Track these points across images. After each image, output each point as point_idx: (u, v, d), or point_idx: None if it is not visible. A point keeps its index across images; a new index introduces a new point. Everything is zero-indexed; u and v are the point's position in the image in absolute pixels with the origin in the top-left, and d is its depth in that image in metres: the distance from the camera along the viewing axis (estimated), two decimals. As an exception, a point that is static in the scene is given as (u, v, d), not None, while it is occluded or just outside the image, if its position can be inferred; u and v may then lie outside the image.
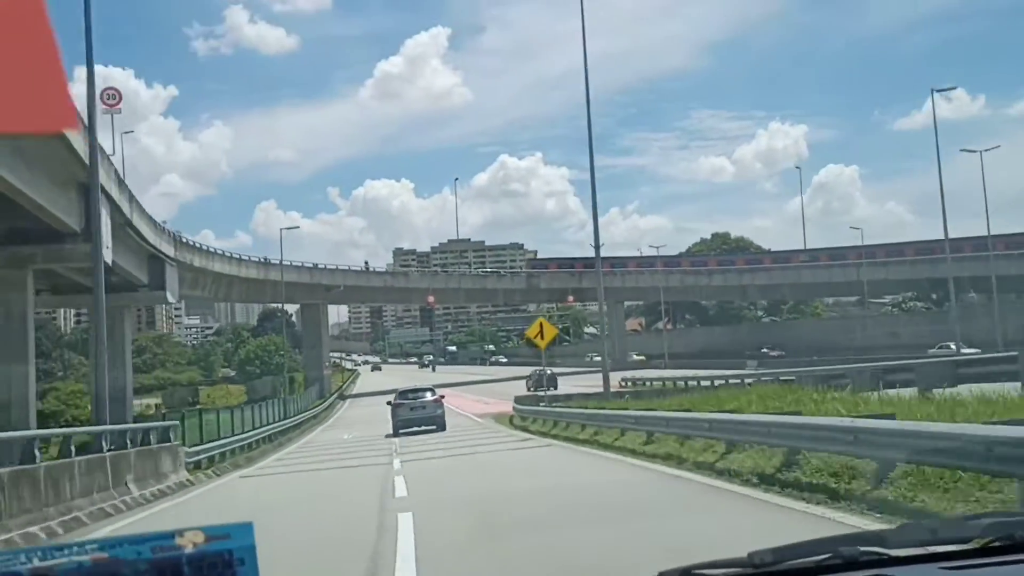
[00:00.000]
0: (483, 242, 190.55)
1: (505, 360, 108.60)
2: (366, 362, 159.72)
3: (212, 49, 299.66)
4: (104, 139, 31.47)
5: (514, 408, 29.07)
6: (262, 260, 56.97)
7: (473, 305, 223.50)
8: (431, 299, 70.14)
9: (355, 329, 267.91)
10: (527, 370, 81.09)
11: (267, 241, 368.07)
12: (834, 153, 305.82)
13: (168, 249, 44.90)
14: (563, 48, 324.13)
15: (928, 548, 1.72)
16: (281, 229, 68.93)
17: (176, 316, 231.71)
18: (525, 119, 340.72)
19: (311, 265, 64.08)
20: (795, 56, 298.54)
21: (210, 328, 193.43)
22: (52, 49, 0.94)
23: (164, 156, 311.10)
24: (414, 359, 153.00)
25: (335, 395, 65.16)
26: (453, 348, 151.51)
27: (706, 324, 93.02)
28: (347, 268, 66.91)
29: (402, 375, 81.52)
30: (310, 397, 54.60)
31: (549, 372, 68.04)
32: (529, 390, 60.32)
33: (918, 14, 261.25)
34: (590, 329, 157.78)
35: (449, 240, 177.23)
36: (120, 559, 1.01)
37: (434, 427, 25.80)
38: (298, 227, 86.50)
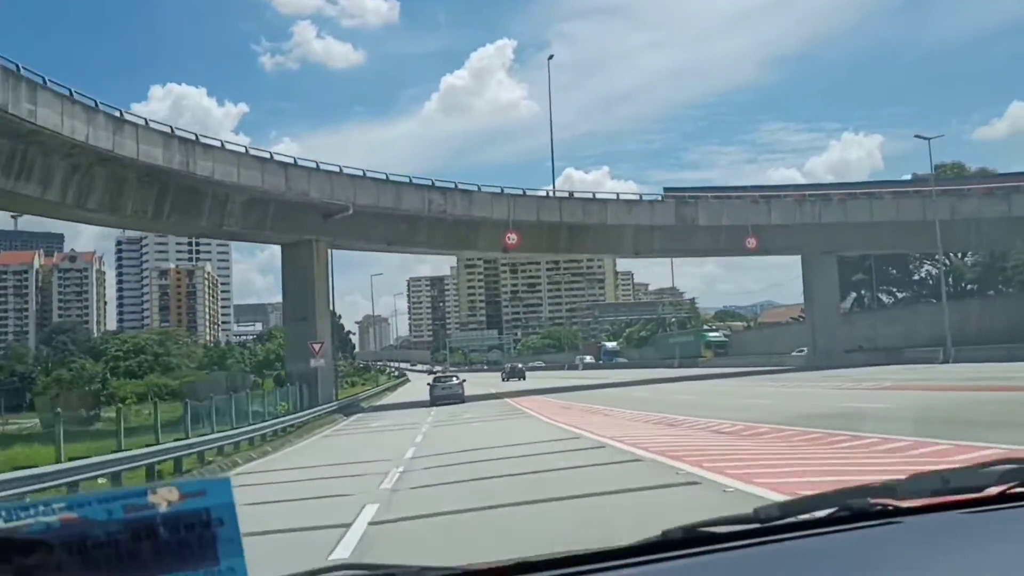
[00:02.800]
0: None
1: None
2: (396, 369, 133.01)
3: (279, 64, 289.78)
4: None
5: None
6: (174, 131, 27.64)
7: (559, 283, 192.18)
8: (512, 238, 39.75)
9: (416, 338, 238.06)
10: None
11: (346, 262, 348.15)
12: (911, 164, 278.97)
13: None
14: (628, 63, 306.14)
15: (940, 498, 1.60)
16: None
17: (224, 322, 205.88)
18: (592, 133, 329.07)
19: (290, 160, 33.99)
20: (868, 67, 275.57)
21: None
22: None
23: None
24: (481, 366, 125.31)
25: (334, 405, 35.16)
26: (613, 344, 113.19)
27: (952, 298, 59.96)
28: (360, 173, 36.55)
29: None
30: (272, 406, 25.46)
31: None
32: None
33: (995, 23, 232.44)
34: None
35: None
36: (90, 519, 0.92)
37: (459, 400, 36.17)
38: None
